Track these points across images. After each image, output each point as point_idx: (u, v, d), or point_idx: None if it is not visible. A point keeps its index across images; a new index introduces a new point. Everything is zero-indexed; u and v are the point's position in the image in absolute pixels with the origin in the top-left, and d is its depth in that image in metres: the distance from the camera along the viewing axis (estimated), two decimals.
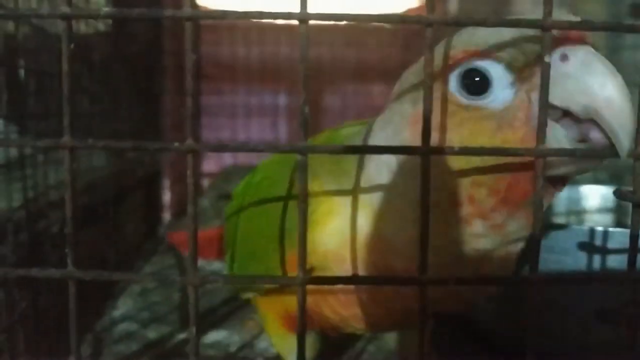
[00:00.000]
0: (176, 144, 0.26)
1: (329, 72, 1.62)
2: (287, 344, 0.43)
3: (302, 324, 0.26)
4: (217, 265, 0.68)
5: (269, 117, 1.66)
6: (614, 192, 0.30)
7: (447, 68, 0.31)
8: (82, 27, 0.77)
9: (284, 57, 1.66)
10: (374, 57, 1.65)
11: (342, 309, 0.35)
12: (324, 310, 0.36)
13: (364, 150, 0.33)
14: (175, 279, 0.27)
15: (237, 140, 1.49)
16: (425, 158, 0.26)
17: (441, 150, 0.27)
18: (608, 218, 0.62)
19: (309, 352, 0.43)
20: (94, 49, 0.80)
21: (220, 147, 0.27)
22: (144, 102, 1.05)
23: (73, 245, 0.27)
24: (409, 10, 1.77)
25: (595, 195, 0.63)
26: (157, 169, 1.14)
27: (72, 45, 0.25)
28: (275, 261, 0.35)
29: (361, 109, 1.63)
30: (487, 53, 0.30)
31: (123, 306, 0.60)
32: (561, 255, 0.43)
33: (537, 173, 0.26)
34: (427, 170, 0.26)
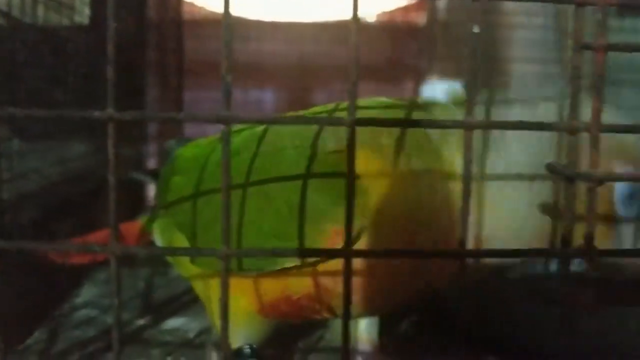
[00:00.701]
0: (96, 113, 0.26)
1: (316, 69, 1.62)
2: (242, 328, 0.42)
3: (225, 295, 0.26)
4: None
5: (255, 112, 1.63)
6: (547, 166, 0.29)
7: None
8: (56, 18, 0.77)
9: (268, 54, 1.65)
10: (361, 54, 1.64)
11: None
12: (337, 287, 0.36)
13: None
14: (96, 249, 0.27)
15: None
16: (351, 127, 0.26)
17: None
18: None
19: (260, 335, 0.42)
20: (70, 41, 0.79)
21: (143, 116, 0.27)
22: (127, 97, 1.05)
23: None
24: (398, 9, 1.77)
25: None
26: (141, 164, 1.14)
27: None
28: (311, 239, 0.34)
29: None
30: None
31: (86, 293, 0.60)
32: None
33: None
34: (352, 142, 0.26)
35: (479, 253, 0.28)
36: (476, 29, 0.27)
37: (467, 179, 0.26)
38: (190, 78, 1.49)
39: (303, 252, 0.30)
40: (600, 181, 0.28)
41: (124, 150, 1.02)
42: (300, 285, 0.37)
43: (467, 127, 0.27)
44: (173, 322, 0.53)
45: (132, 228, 0.51)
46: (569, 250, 0.28)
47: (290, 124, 0.32)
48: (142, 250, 0.27)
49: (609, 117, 0.32)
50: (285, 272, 0.35)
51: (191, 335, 0.51)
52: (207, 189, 0.41)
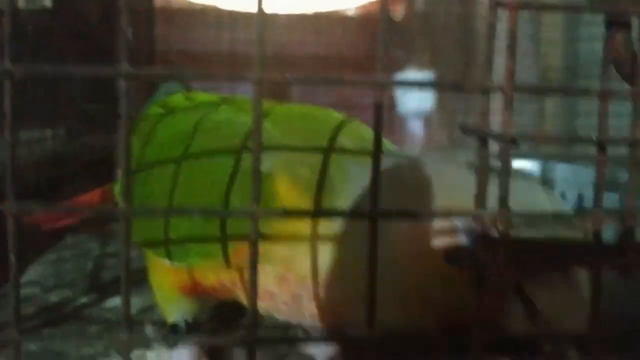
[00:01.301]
0: None
1: (293, 60, 1.61)
2: (175, 304, 0.42)
3: (125, 255, 0.25)
4: None
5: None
6: (460, 126, 0.29)
7: None
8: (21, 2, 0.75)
9: (242, 43, 1.64)
10: (339, 45, 1.64)
11: None
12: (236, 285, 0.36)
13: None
14: None
15: None
16: (258, 83, 0.25)
17: None
18: None
19: (194, 311, 0.42)
20: (31, 24, 0.78)
21: (35, 69, 0.26)
22: (97, 82, 1.03)
23: None
24: (376, 2, 1.77)
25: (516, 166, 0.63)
26: (110, 154, 1.12)
27: None
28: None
29: (325, 96, 1.63)
30: None
31: (32, 273, 0.59)
32: None
33: None
34: (258, 99, 0.25)
35: (390, 213, 0.28)
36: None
37: (377, 144, 0.26)
38: (162, 65, 1.48)
39: (208, 212, 0.29)
40: (513, 140, 0.28)
41: (96, 138, 1.00)
42: (205, 278, 0.37)
43: (378, 85, 0.26)
44: (115, 301, 0.52)
45: (98, 193, 0.51)
46: (482, 211, 0.27)
47: (189, 79, 0.32)
48: (37, 206, 0.26)
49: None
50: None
51: (131, 313, 0.50)
52: (148, 163, 0.40)
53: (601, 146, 0.29)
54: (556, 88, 0.28)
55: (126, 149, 0.25)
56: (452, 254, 0.29)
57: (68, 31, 0.88)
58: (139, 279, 0.57)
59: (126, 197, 0.25)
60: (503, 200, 0.27)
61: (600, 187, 0.29)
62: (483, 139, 0.28)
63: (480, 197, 0.28)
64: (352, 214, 0.28)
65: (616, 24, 0.32)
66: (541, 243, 0.29)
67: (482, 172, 0.28)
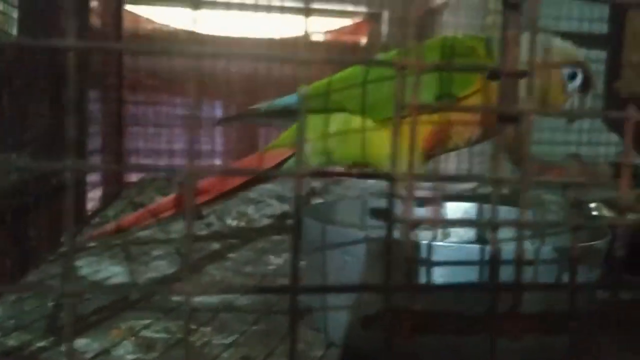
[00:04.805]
0: None
1: (264, 87, 1.64)
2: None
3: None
4: None
5: (205, 128, 1.69)
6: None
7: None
8: None
9: (221, 69, 1.67)
10: (309, 73, 1.68)
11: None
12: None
13: None
14: None
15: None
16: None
17: None
18: (470, 233, 0.66)
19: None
20: None
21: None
22: (66, 109, 1.03)
23: None
24: (345, 28, 1.82)
25: (458, 211, 0.67)
26: (63, 182, 1.12)
27: None
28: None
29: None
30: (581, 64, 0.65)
31: None
32: None
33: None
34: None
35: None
36: None
37: None
38: (140, 92, 1.50)
39: None
40: None
41: (63, 162, 1.00)
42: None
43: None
44: (74, 344, 0.54)
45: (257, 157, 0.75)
46: (393, 174, 0.31)
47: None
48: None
49: None
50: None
51: (89, 356, 0.52)
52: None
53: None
54: None
55: None
56: (366, 321, 0.32)
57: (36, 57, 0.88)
58: (92, 322, 0.59)
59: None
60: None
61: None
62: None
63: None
64: None
65: None
66: (441, 313, 0.32)
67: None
